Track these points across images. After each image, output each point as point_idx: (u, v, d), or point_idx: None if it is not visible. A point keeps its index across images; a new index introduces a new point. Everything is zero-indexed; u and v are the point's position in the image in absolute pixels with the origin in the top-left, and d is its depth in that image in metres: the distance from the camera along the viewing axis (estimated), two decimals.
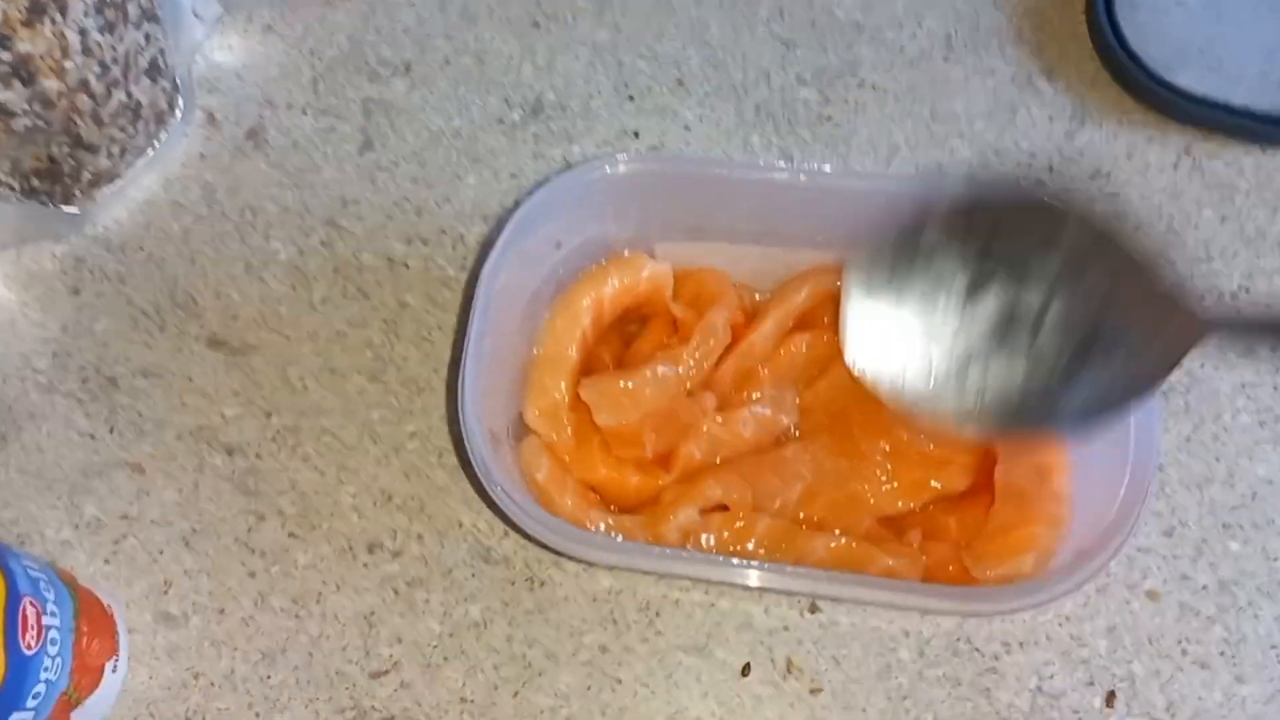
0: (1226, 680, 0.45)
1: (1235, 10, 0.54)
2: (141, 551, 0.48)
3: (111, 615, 0.46)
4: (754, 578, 0.38)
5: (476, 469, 0.40)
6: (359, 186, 0.53)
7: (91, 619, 0.43)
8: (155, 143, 0.53)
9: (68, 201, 0.51)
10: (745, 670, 0.46)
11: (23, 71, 0.43)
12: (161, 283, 0.52)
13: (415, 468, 0.49)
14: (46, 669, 0.39)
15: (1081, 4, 0.54)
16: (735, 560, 0.38)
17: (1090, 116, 0.53)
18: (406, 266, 0.52)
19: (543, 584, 0.47)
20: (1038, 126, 0.53)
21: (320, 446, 0.49)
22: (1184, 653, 0.46)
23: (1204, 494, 0.47)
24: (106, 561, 0.48)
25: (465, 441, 0.40)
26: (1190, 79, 0.52)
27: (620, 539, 0.41)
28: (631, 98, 0.54)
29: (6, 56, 0.43)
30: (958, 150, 0.52)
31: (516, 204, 0.44)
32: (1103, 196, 0.42)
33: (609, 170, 0.43)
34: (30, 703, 0.39)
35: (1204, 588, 0.46)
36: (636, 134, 0.54)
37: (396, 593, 0.47)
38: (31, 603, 0.39)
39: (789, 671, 0.46)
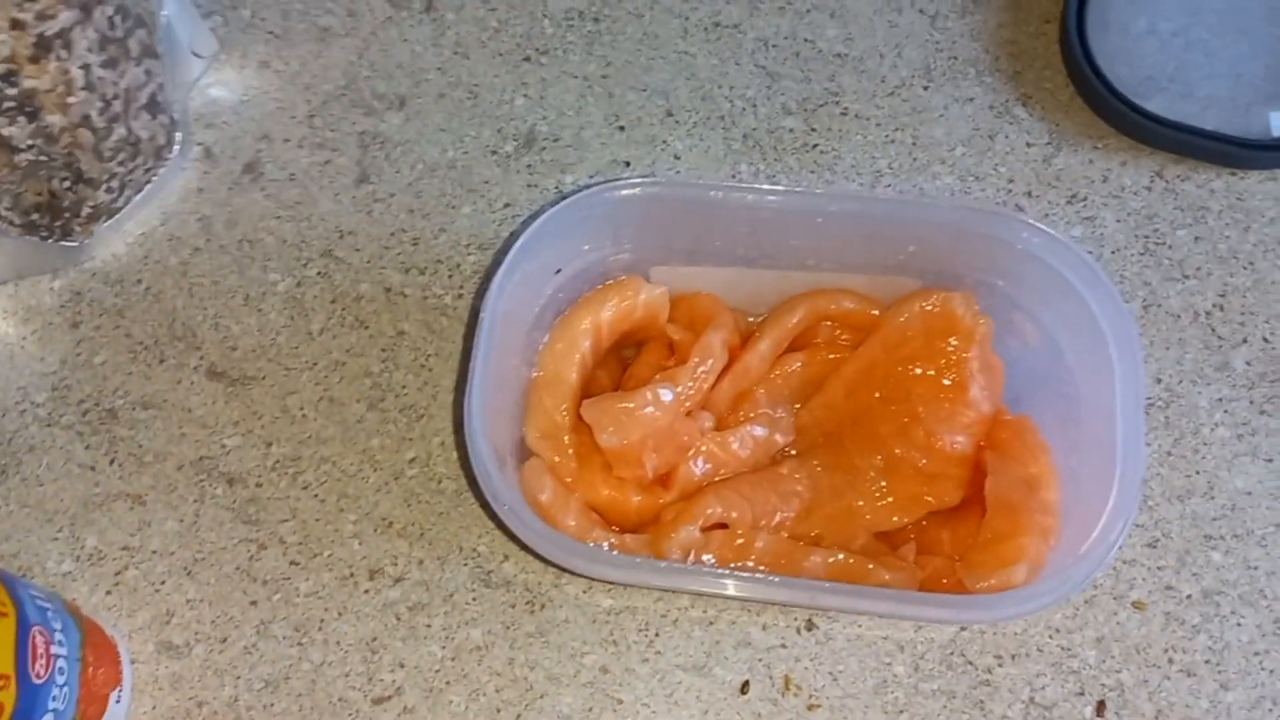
0: (1212, 688, 0.46)
1: (1204, 37, 0.56)
2: (143, 582, 0.48)
3: (115, 645, 0.46)
4: (754, 590, 0.39)
5: (483, 487, 0.41)
6: (355, 218, 0.54)
7: (96, 648, 0.44)
8: (154, 177, 0.53)
9: (67, 236, 0.52)
10: (744, 688, 0.46)
11: (28, 106, 0.44)
12: (160, 315, 0.52)
13: (415, 494, 0.49)
14: (54, 698, 0.39)
15: (1055, 33, 0.56)
16: (736, 572, 0.39)
17: (1066, 142, 0.54)
18: (404, 295, 0.53)
19: (543, 606, 0.47)
20: (1016, 152, 0.54)
21: (320, 475, 0.50)
22: (1170, 661, 0.47)
23: (1185, 506, 0.49)
24: (108, 592, 0.48)
25: (472, 460, 0.41)
26: (1162, 104, 0.54)
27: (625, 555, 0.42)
28: (622, 128, 0.55)
29: (13, 92, 0.43)
30: (939, 175, 0.54)
31: (522, 227, 0.45)
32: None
33: (607, 195, 0.44)
34: None
35: (1188, 597, 0.47)
36: (628, 163, 0.55)
37: (398, 618, 0.48)
38: (40, 632, 0.39)
39: (787, 688, 0.46)
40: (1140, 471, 0.40)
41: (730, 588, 0.39)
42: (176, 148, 0.54)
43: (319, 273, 0.53)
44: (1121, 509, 0.39)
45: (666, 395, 0.43)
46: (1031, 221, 0.43)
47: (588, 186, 0.45)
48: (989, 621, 0.46)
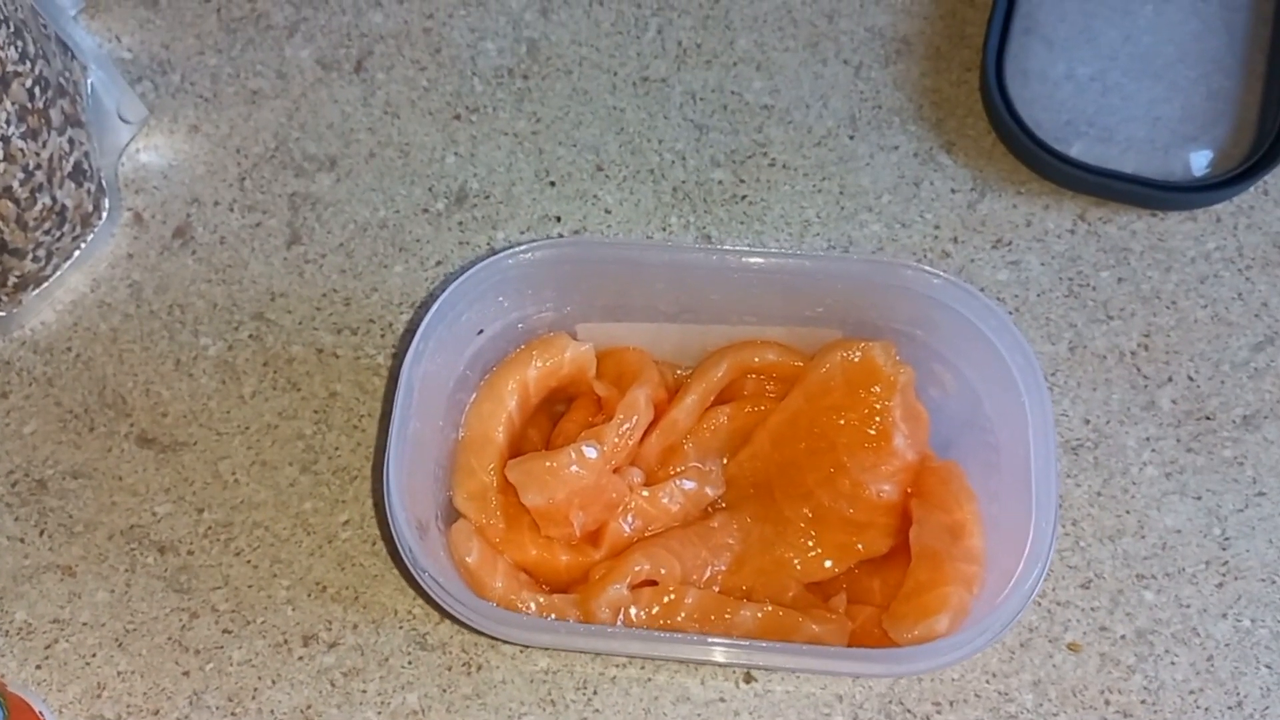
0: None
1: (1121, 81, 0.57)
2: (74, 655, 0.48)
3: None
4: (680, 651, 0.39)
5: (404, 556, 0.40)
6: (287, 280, 0.54)
7: None
8: (82, 244, 0.53)
9: None
10: None
11: None
12: (90, 383, 0.52)
13: (349, 557, 0.49)
14: None
15: (976, 81, 0.57)
16: (658, 634, 0.39)
17: (990, 188, 0.55)
18: (336, 356, 0.53)
19: (479, 668, 0.47)
20: (941, 199, 0.55)
21: (253, 540, 0.49)
22: (1107, 703, 0.47)
23: (1116, 546, 0.49)
24: (38, 667, 0.48)
25: (392, 529, 0.41)
26: (1082, 149, 0.55)
27: (551, 619, 0.42)
28: (553, 183, 0.56)
29: None
30: (867, 223, 0.55)
31: (442, 288, 0.45)
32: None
33: (525, 257, 0.44)
34: None
35: (1122, 638, 0.48)
36: (559, 218, 0.55)
37: (333, 684, 0.47)
38: None
39: None
40: (1053, 518, 0.40)
41: (651, 649, 0.39)
42: (105, 214, 0.54)
43: (250, 335, 0.53)
44: (1036, 555, 0.39)
45: (591, 453, 0.43)
46: (941, 273, 0.44)
47: (519, 242, 0.45)
48: (904, 675, 0.46)
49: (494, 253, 0.45)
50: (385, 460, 0.41)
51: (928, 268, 0.44)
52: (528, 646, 0.46)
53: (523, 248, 0.44)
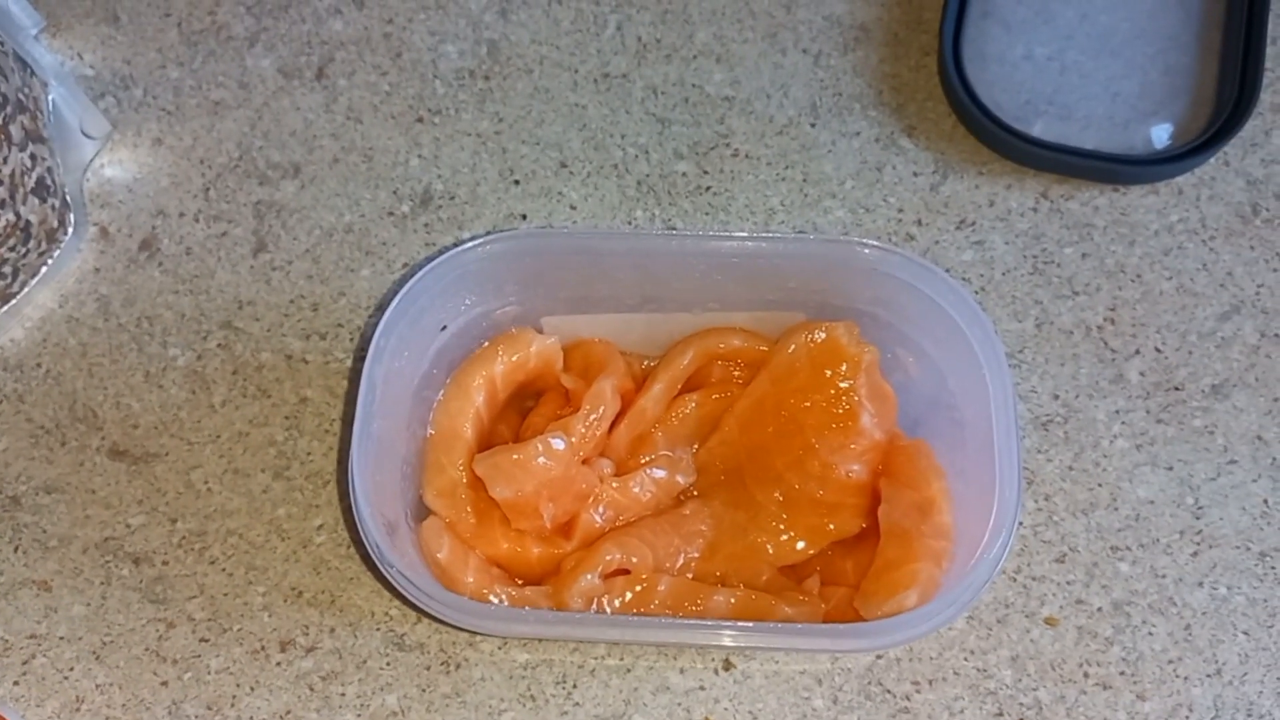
0: (1129, 699, 0.46)
1: (1079, 60, 0.57)
2: (51, 669, 0.48)
3: None
4: (654, 634, 0.39)
5: (371, 554, 0.40)
6: (254, 288, 0.54)
7: None
8: (48, 260, 0.53)
9: None
10: None
11: None
12: (61, 398, 0.52)
13: (324, 561, 0.49)
14: None
15: (935, 66, 0.57)
16: (633, 619, 0.39)
17: (952, 169, 0.55)
18: (305, 362, 0.53)
19: (458, 666, 0.47)
20: (904, 182, 0.55)
21: (227, 548, 0.49)
22: (1086, 675, 0.47)
23: (1090, 519, 0.49)
24: (16, 683, 0.47)
25: (359, 526, 0.41)
26: (1042, 128, 0.55)
27: (525, 610, 0.42)
28: (517, 182, 0.56)
29: None
30: (831, 209, 0.55)
31: (396, 290, 0.45)
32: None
33: (486, 250, 0.44)
34: None
35: (1099, 610, 0.48)
36: (524, 216, 0.55)
37: (312, 689, 0.47)
38: None
39: None
40: (1016, 485, 0.40)
41: (622, 634, 0.39)
42: (70, 230, 0.54)
43: (219, 345, 0.53)
44: (1002, 523, 0.39)
45: (558, 444, 0.43)
46: (899, 250, 0.44)
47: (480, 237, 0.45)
48: (876, 649, 0.46)
49: (458, 244, 0.45)
50: (350, 458, 0.41)
51: (886, 245, 0.44)
52: (503, 638, 0.46)
53: (482, 240, 0.44)
